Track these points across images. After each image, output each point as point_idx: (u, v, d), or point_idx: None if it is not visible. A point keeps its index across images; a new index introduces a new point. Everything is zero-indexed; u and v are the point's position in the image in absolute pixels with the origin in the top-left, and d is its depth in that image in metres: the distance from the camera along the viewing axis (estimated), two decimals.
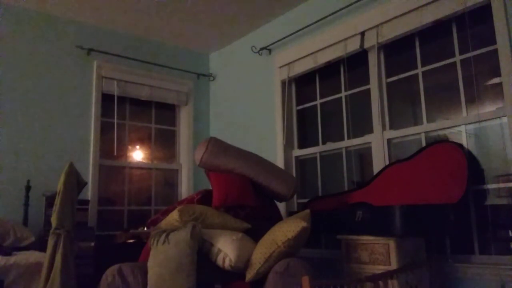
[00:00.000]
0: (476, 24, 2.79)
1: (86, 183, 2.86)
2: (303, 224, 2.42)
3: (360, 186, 3.13)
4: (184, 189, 4.63)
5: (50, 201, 3.32)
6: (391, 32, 3.18)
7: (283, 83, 4.04)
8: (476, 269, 2.54)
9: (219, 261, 2.46)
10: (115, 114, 4.28)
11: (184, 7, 3.92)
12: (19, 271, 2.60)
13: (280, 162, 3.91)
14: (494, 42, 2.64)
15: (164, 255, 2.39)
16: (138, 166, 4.48)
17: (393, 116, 3.27)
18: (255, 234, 2.69)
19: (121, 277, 2.44)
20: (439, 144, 2.77)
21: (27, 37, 3.84)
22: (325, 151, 3.74)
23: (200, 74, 4.90)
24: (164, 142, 4.74)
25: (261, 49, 4.20)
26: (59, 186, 2.68)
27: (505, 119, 2.61)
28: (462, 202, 2.56)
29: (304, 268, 2.35)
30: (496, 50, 2.64)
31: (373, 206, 2.93)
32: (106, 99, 4.22)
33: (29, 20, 3.86)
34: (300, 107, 4.04)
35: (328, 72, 3.80)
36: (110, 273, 2.46)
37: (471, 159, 2.72)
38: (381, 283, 2.06)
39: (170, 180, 4.70)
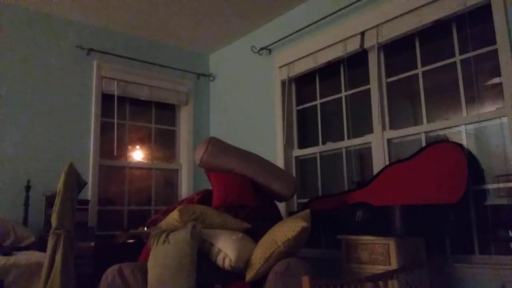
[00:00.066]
0: (476, 24, 2.79)
1: (86, 183, 2.86)
2: (303, 224, 2.42)
3: (360, 186, 3.13)
4: (184, 189, 4.63)
5: (50, 201, 3.32)
6: (391, 32, 3.18)
7: (283, 83, 4.04)
8: (476, 269, 2.54)
9: (219, 261, 2.46)
10: (115, 114, 4.28)
11: (184, 7, 3.92)
12: (19, 271, 2.60)
13: (280, 162, 3.91)
14: (494, 42, 2.64)
15: (164, 255, 2.39)
16: (138, 166, 4.48)
17: (393, 116, 3.27)
18: (255, 234, 2.69)
19: (121, 277, 2.44)
20: (439, 144, 2.76)
21: (27, 37, 3.84)
22: (325, 151, 3.74)
23: (200, 74, 4.90)
24: (164, 142, 4.74)
25: (261, 49, 4.20)
26: (59, 186, 2.68)
27: (505, 119, 2.61)
28: (462, 202, 2.56)
29: (304, 268, 2.35)
30: (496, 50, 2.63)
31: (373, 206, 2.93)
32: (106, 99, 4.22)
33: (29, 20, 3.86)
34: (300, 107, 4.04)
35: (328, 72, 3.80)
36: (110, 273, 2.46)
37: (471, 159, 2.72)
38: (381, 283, 2.06)
39: (170, 180, 4.70)
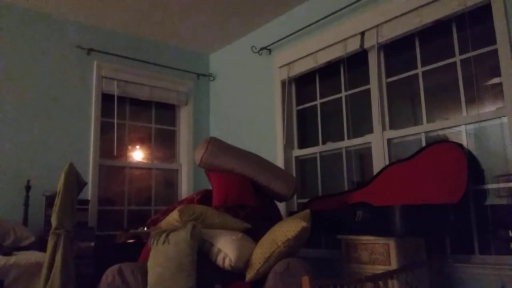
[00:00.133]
0: (476, 24, 2.79)
1: (86, 183, 2.86)
2: (303, 224, 2.42)
3: (360, 186, 3.13)
4: (184, 189, 4.63)
5: (50, 201, 3.32)
6: (391, 32, 3.18)
7: (283, 83, 4.04)
8: (476, 269, 2.54)
9: (219, 261, 2.47)
10: (115, 114, 4.28)
11: (184, 7, 3.92)
12: (19, 271, 2.60)
13: (280, 162, 3.91)
14: (494, 42, 2.64)
15: (164, 255, 2.39)
16: (138, 166, 4.48)
17: (393, 116, 3.27)
18: (255, 234, 2.69)
19: (121, 277, 2.44)
20: (439, 144, 2.76)
21: (27, 37, 3.84)
22: (325, 151, 3.74)
23: (200, 74, 4.90)
24: (164, 142, 4.74)
25: (261, 49, 4.20)
26: (59, 186, 2.68)
27: (505, 119, 2.61)
28: (462, 202, 2.56)
29: (304, 268, 2.35)
30: (496, 50, 2.63)
31: (373, 206, 2.93)
32: (106, 99, 4.22)
33: (29, 20, 3.86)
34: (300, 107, 4.04)
35: (328, 72, 3.80)
36: (110, 273, 2.46)
37: (471, 159, 2.72)
38: (381, 283, 2.06)
39: (170, 180, 4.70)
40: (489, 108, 2.73)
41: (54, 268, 2.51)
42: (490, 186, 2.67)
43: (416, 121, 3.13)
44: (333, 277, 2.66)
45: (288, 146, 3.95)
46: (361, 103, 3.47)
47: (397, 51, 3.29)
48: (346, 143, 3.53)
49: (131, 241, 3.68)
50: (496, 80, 2.70)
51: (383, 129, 3.25)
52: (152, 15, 4.07)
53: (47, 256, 2.55)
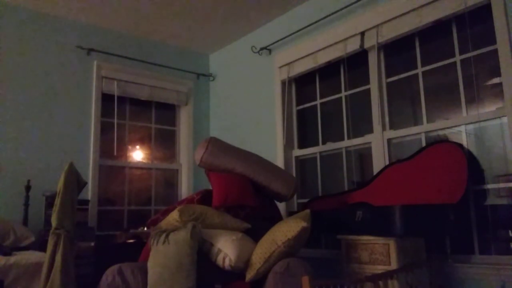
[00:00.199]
0: (476, 24, 2.79)
1: (86, 183, 2.86)
2: (303, 224, 2.42)
3: (360, 186, 3.13)
4: (184, 189, 4.63)
5: (50, 201, 3.33)
6: (391, 32, 3.18)
7: (283, 83, 4.04)
8: (476, 269, 2.54)
9: (219, 261, 2.47)
10: (115, 114, 4.29)
11: (184, 7, 3.92)
12: (19, 271, 2.60)
13: (280, 162, 3.91)
14: (494, 42, 2.64)
15: (164, 255, 2.39)
16: (138, 166, 4.48)
17: (393, 116, 3.27)
18: (255, 234, 2.69)
19: (121, 277, 2.44)
20: (439, 144, 2.76)
21: (27, 37, 3.84)
22: (325, 151, 3.74)
23: (200, 74, 4.90)
24: (164, 142, 4.74)
25: (261, 49, 4.20)
26: (59, 186, 2.68)
27: (505, 119, 2.61)
28: (462, 202, 2.56)
29: (304, 268, 2.35)
30: (496, 50, 2.64)
31: (373, 206, 2.93)
32: (106, 99, 4.22)
33: (29, 20, 3.86)
34: (300, 107, 4.04)
35: (328, 72, 3.80)
36: (110, 273, 2.46)
37: (471, 159, 2.72)
38: (381, 283, 2.06)
39: (170, 180, 4.70)
40: (489, 108, 2.73)
41: (54, 268, 2.51)
42: (490, 186, 2.67)
43: (416, 121, 3.13)
44: (333, 277, 2.66)
45: (288, 146, 3.95)
46: (361, 103, 3.47)
47: (397, 51, 3.29)
48: (346, 143, 3.53)
49: (131, 241, 3.68)
50: (496, 80, 2.70)
51: (383, 129, 3.25)
52: (152, 15, 4.07)
53: (47, 256, 2.55)
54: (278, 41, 4.02)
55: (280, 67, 4.05)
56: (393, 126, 3.24)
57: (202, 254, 2.49)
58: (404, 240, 2.44)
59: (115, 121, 4.29)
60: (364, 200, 3.08)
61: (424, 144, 3.00)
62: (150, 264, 2.44)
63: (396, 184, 2.92)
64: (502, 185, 2.63)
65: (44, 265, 2.54)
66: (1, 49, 3.70)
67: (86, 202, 3.61)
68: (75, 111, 4.00)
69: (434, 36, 3.07)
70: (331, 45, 3.59)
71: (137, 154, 4.55)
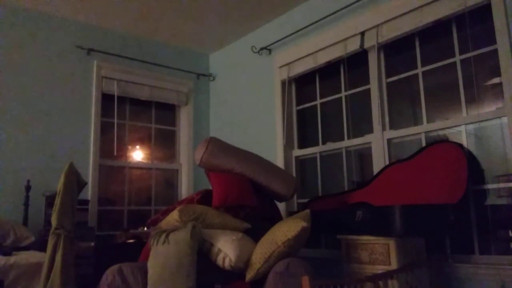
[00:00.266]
0: (476, 24, 2.79)
1: (86, 183, 2.86)
2: (303, 224, 2.42)
3: (360, 186, 3.13)
4: (184, 189, 4.63)
5: (50, 201, 3.32)
6: (391, 32, 3.18)
7: (283, 83, 4.04)
8: (476, 269, 2.54)
9: (219, 261, 2.47)
10: (115, 114, 4.28)
11: (184, 7, 3.92)
12: (19, 271, 2.60)
13: (280, 162, 3.91)
14: (494, 42, 2.64)
15: (164, 255, 2.39)
16: (138, 166, 4.48)
17: (393, 116, 3.27)
18: (255, 234, 2.69)
19: (121, 277, 2.44)
20: (439, 144, 2.76)
21: (27, 37, 3.84)
22: (325, 151, 3.74)
23: (200, 74, 4.90)
24: (164, 142, 4.74)
25: (261, 49, 4.20)
26: (59, 186, 2.68)
27: (505, 119, 2.61)
28: (462, 202, 2.56)
29: (304, 268, 2.35)
30: (496, 50, 2.63)
31: (373, 206, 2.92)
32: (106, 99, 4.22)
33: (29, 20, 3.86)
34: (300, 107, 4.04)
35: (328, 72, 3.80)
36: (110, 273, 2.46)
37: (471, 159, 2.72)
38: (381, 283, 2.06)
39: (170, 180, 4.70)
40: (489, 108, 2.73)
41: (54, 268, 2.51)
42: (490, 186, 2.67)
43: (416, 121, 3.13)
44: (333, 277, 2.66)
45: (288, 146, 3.96)
46: (361, 103, 3.47)
47: (397, 51, 3.29)
48: (346, 143, 3.53)
49: (131, 241, 3.68)
50: (496, 80, 2.70)
51: (383, 129, 3.25)
52: (152, 15, 4.07)
53: (47, 256, 2.55)
54: (278, 41, 4.02)
55: (280, 67, 4.05)
56: (393, 126, 3.24)
57: (202, 254, 2.49)
58: (404, 240, 2.44)
59: (115, 121, 4.29)
60: (364, 200, 3.08)
61: (424, 144, 3.00)
62: (150, 264, 2.44)
63: (396, 184, 2.92)
64: (502, 185, 2.63)
65: (44, 265, 2.54)
66: (1, 49, 3.70)
67: (86, 202, 3.61)
68: (75, 111, 4.00)
69: (434, 36, 3.07)
70: (331, 45, 3.59)
71: (137, 154, 4.55)
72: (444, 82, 2.98)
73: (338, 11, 3.46)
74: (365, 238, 2.53)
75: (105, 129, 4.21)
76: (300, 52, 3.84)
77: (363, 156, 3.43)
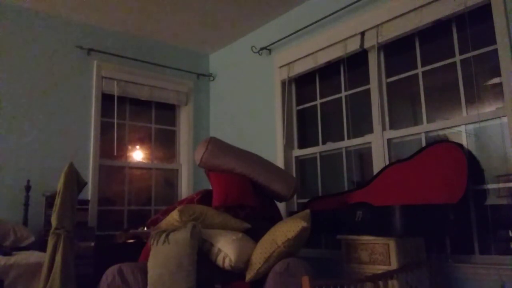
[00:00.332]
0: (476, 24, 2.79)
1: (86, 183, 2.86)
2: (303, 224, 2.42)
3: (360, 186, 3.13)
4: (184, 189, 4.63)
5: (50, 201, 3.32)
6: (391, 32, 3.18)
7: (283, 83, 4.04)
8: (476, 269, 2.54)
9: (219, 261, 2.47)
10: (115, 114, 4.28)
11: (184, 7, 3.92)
12: (19, 271, 2.60)
13: (280, 162, 3.91)
14: (494, 42, 2.64)
15: (164, 255, 2.39)
16: (138, 166, 4.48)
17: (393, 116, 3.27)
18: (255, 234, 2.69)
19: (121, 277, 2.44)
20: (439, 144, 2.77)
21: (27, 37, 3.83)
22: (325, 151, 3.74)
23: (200, 74, 4.90)
24: (164, 142, 4.74)
25: (261, 49, 4.20)
26: (59, 186, 2.68)
27: (505, 119, 2.61)
28: (462, 202, 2.56)
29: (304, 268, 2.35)
30: (496, 50, 2.63)
31: (373, 206, 2.93)
32: (106, 99, 4.22)
33: (29, 20, 3.86)
34: (300, 107, 4.04)
35: (328, 72, 3.80)
36: (110, 273, 2.46)
37: (471, 159, 2.72)
38: (381, 283, 2.06)
39: (170, 180, 4.70)
40: (489, 108, 2.73)
41: (54, 268, 2.51)
42: (490, 186, 2.67)
43: (416, 121, 3.13)
44: (333, 277, 2.66)
45: (288, 146, 3.95)
46: (361, 103, 3.47)
47: (397, 51, 3.29)
48: (346, 143, 3.53)
49: (131, 241, 3.68)
50: (496, 80, 2.70)
51: (383, 129, 3.25)
52: (152, 15, 4.07)
53: (47, 256, 2.55)
54: (278, 41, 4.02)
55: (280, 67, 4.05)
56: (393, 126, 3.24)
57: (202, 254, 2.49)
58: (404, 240, 2.44)
59: (115, 121, 4.29)
60: (364, 200, 3.08)
61: (424, 144, 3.00)
62: (150, 264, 2.44)
63: (396, 184, 2.91)
64: (502, 185, 2.63)
65: (44, 265, 2.54)
66: (1, 49, 3.70)
67: (86, 202, 3.61)
68: (75, 111, 4.00)
69: (434, 36, 3.07)
70: (331, 45, 3.59)
71: (137, 154, 4.55)
72: (444, 82, 2.98)
73: (338, 11, 3.46)
74: (365, 238, 2.53)
75: (105, 129, 4.21)
76: (300, 52, 3.84)
77: (363, 156, 3.43)
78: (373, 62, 3.35)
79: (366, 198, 3.07)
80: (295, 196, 3.78)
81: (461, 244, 2.74)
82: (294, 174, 3.91)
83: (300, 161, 3.97)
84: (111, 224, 4.14)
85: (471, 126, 2.80)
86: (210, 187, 3.07)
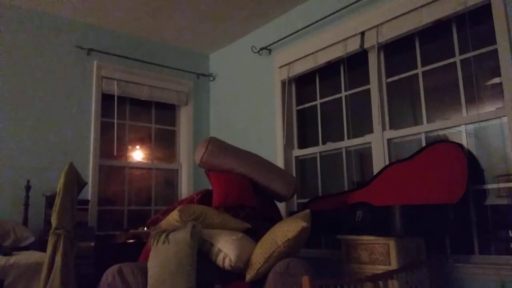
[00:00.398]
0: (476, 24, 2.79)
1: (86, 183, 2.86)
2: (303, 224, 2.42)
3: (360, 186, 3.13)
4: (184, 189, 4.63)
5: (50, 201, 3.32)
6: (391, 32, 3.18)
7: (283, 83, 4.04)
8: (476, 269, 2.54)
9: (219, 261, 2.47)
10: (115, 114, 4.28)
11: (184, 7, 3.92)
12: (19, 271, 2.60)
13: (280, 162, 3.91)
14: (494, 42, 2.64)
15: (164, 255, 2.39)
16: (138, 166, 4.48)
17: (393, 116, 3.27)
18: (255, 234, 2.69)
19: (121, 277, 2.44)
20: (439, 144, 2.76)
21: (27, 37, 3.83)
22: (325, 151, 3.74)
23: (200, 74, 4.90)
24: (164, 142, 4.74)
25: (261, 49, 4.20)
26: (59, 186, 2.68)
27: (505, 119, 2.61)
28: (462, 202, 2.55)
29: (304, 268, 2.35)
30: (496, 50, 2.63)
31: (373, 206, 2.93)
32: (106, 99, 4.22)
33: (29, 20, 3.86)
34: (300, 107, 4.04)
35: (328, 72, 3.80)
36: (110, 273, 2.46)
37: (471, 159, 2.72)
38: (381, 283, 2.06)
39: (170, 180, 4.70)
40: (489, 108, 2.73)
41: (54, 268, 2.51)
42: (490, 186, 2.67)
43: (416, 121, 3.13)
44: (333, 277, 2.66)
45: (288, 146, 3.95)
46: (361, 103, 3.47)
47: (397, 51, 3.29)
48: (346, 143, 3.53)
49: (131, 241, 3.68)
50: (496, 80, 2.70)
51: (383, 129, 3.25)
52: (152, 15, 4.07)
53: (47, 256, 2.55)
54: (278, 41, 4.02)
55: (280, 67, 4.05)
56: (393, 126, 3.24)
57: (202, 254, 2.49)
58: (404, 240, 2.44)
59: (115, 121, 4.29)
60: (364, 200, 3.08)
61: (424, 144, 3.00)
62: (150, 264, 2.44)
63: (396, 184, 2.91)
64: (502, 185, 2.63)
65: (44, 265, 2.54)
66: (1, 49, 3.70)
67: (86, 202, 3.61)
68: (75, 111, 4.00)
69: (434, 36, 3.07)
70: (331, 45, 3.59)
71: (137, 154, 4.55)
72: (444, 82, 2.98)
73: (338, 11, 3.46)
74: (365, 238, 2.53)
75: (105, 129, 4.21)
76: (300, 52, 3.84)
77: (363, 156, 3.43)
78: (373, 62, 3.35)
79: (366, 198, 3.07)
80: (295, 196, 3.78)
81: (461, 244, 2.74)
82: (294, 174, 3.91)
83: (300, 161, 3.97)
84: (111, 224, 4.14)
85: (471, 126, 2.80)
86: (210, 187, 3.07)
